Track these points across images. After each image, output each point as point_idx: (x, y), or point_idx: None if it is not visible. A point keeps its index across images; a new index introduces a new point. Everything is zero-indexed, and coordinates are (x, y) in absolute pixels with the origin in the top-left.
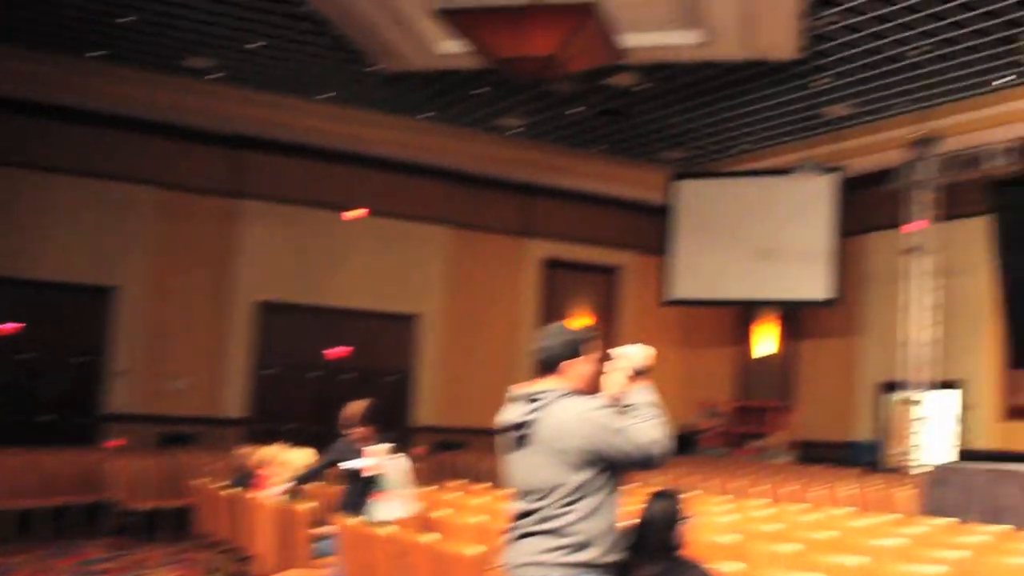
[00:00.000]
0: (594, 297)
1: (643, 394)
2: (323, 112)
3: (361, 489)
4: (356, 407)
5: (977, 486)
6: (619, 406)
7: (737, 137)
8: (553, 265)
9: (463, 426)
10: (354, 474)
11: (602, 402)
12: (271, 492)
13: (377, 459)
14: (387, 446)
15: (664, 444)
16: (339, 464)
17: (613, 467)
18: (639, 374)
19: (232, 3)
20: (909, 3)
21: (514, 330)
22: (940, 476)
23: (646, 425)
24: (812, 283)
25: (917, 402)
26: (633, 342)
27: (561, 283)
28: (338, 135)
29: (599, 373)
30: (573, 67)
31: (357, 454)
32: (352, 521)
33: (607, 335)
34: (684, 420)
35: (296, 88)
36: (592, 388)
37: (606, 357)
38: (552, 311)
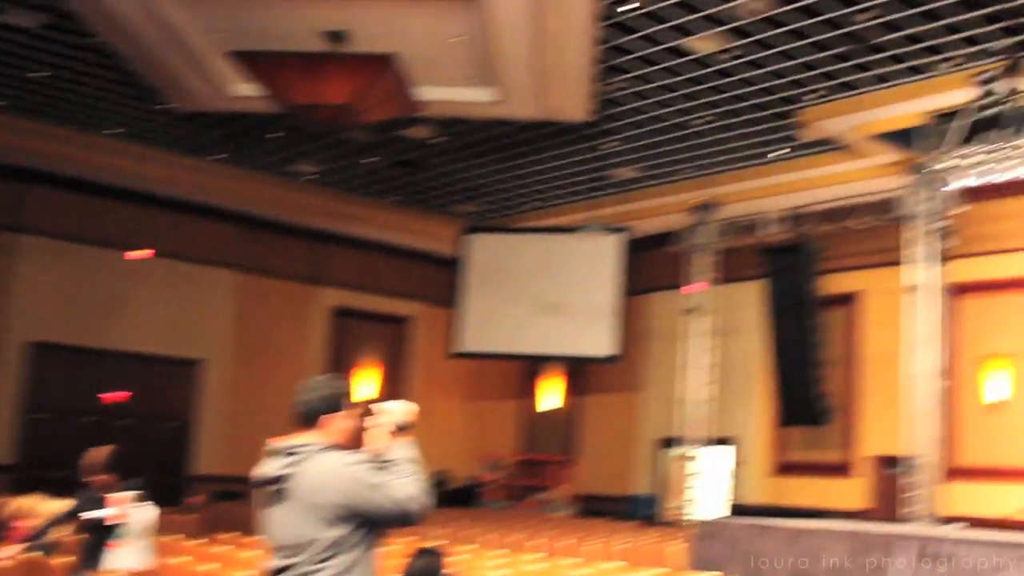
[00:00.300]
0: (383, 347)
1: (403, 450)
2: (110, 148)
3: (100, 539)
4: (98, 454)
5: (740, 540)
6: (379, 462)
7: (528, 194)
8: (343, 314)
9: (245, 475)
10: (97, 523)
11: (361, 457)
12: (11, 550)
13: (120, 508)
14: (132, 494)
15: (422, 500)
16: (80, 514)
17: (370, 523)
18: (401, 430)
19: (14, 28)
20: (693, 75)
21: (301, 378)
22: (707, 530)
23: (404, 481)
24: (597, 340)
25: (692, 458)
26: (414, 395)
27: (350, 332)
28: (125, 172)
29: (360, 428)
30: (369, 117)
31: (100, 503)
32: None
33: (395, 386)
34: (468, 472)
35: (83, 122)
36: (352, 443)
37: (368, 412)
38: (340, 360)
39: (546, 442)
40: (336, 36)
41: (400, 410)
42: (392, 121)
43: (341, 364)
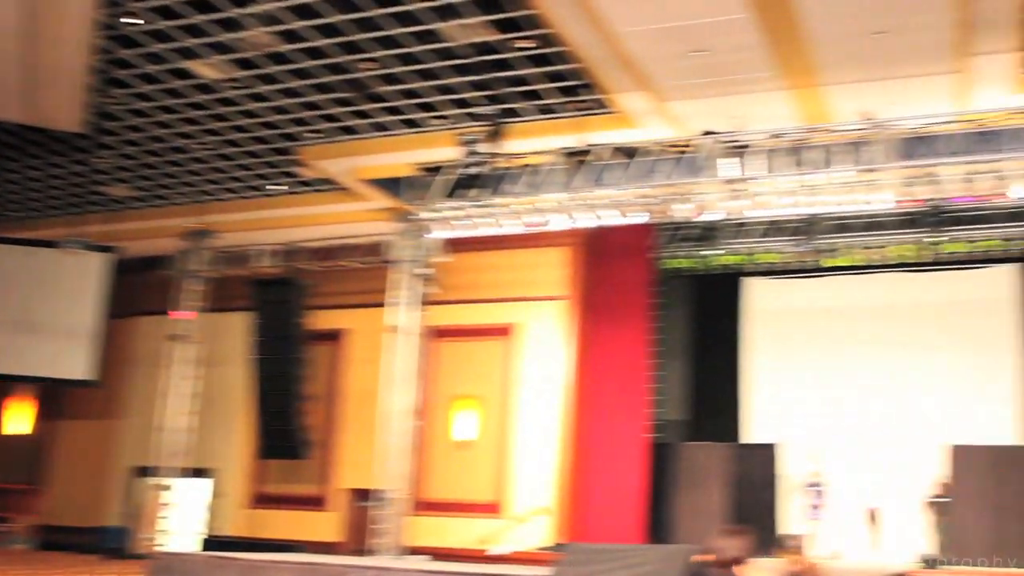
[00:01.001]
0: None
1: None
2: None
3: None
4: None
5: (196, 573)
6: None
7: (8, 202)
8: None
9: None
10: None
11: None
12: None
13: None
14: None
15: None
16: None
17: None
18: None
19: None
20: (196, 100)
21: None
22: (162, 564)
23: None
24: (74, 362)
25: (167, 488)
26: None
27: None
28: None
29: None
30: None
31: None
32: None
33: None
34: None
35: None
36: None
37: None
38: None
39: (10, 469)
40: None
41: None
42: None
43: None
